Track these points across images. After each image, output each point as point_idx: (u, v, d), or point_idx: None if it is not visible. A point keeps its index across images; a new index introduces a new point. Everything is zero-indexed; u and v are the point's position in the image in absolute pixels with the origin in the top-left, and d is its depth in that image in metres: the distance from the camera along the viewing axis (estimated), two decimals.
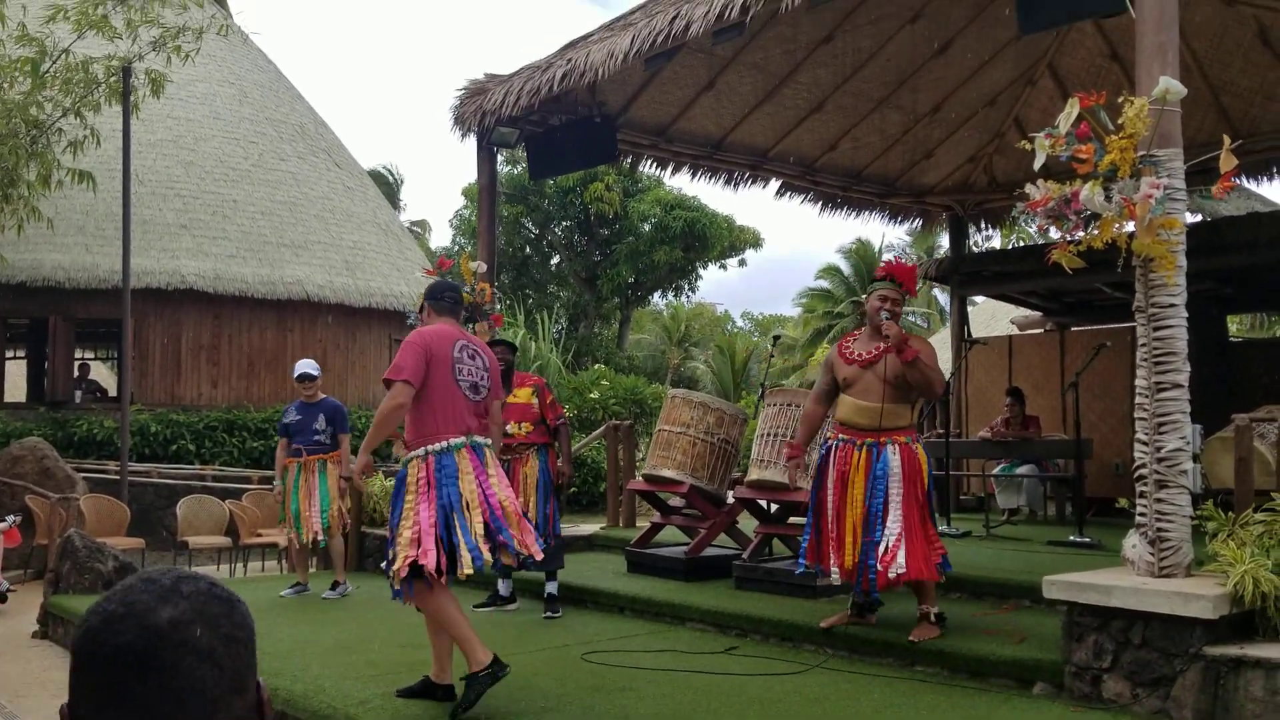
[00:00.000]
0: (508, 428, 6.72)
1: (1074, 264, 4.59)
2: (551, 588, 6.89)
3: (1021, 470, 9.62)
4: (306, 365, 8.23)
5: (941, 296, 29.43)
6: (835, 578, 5.47)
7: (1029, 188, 4.71)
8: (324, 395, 8.28)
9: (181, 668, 1.05)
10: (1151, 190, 4.34)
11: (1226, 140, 4.42)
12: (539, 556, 4.77)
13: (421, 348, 4.66)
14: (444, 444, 4.58)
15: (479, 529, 4.48)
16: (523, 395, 6.92)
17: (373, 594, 7.67)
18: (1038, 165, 4.62)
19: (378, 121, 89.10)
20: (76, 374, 16.26)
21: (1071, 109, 4.53)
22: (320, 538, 7.89)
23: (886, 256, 34.15)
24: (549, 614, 6.78)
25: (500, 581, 7.13)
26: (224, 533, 10.74)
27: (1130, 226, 4.47)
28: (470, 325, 8.44)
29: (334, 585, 7.84)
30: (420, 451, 4.59)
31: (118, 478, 12.02)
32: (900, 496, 5.22)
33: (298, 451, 7.97)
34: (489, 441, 4.78)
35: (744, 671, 5.23)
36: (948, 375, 11.70)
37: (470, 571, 4.44)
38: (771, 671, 5.21)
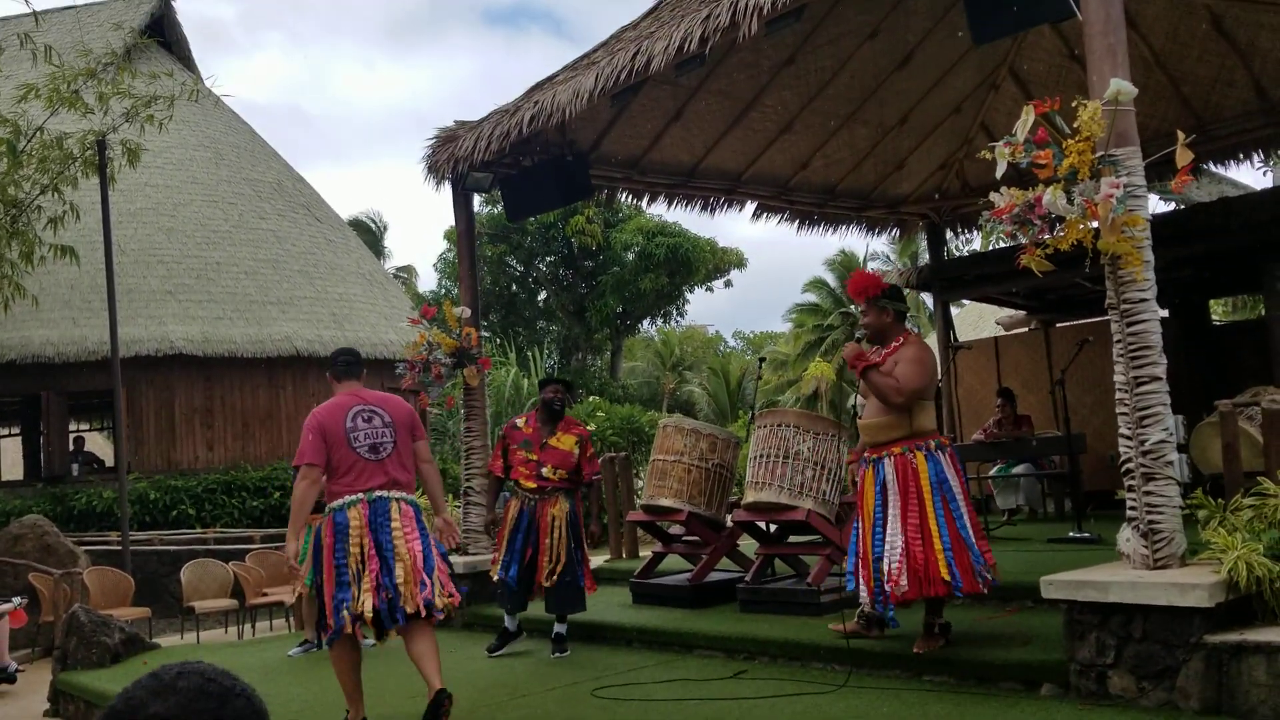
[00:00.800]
0: (543, 470, 6.69)
1: (1043, 267, 4.65)
2: (561, 628, 6.85)
3: (1018, 470, 9.67)
4: None
5: (929, 301, 29.57)
6: (864, 596, 5.31)
7: (994, 195, 4.78)
8: None
9: None
10: (1112, 190, 4.41)
11: (1180, 136, 4.50)
12: (420, 609, 4.95)
13: (315, 428, 5.10)
14: (340, 502, 5.04)
15: (368, 583, 4.90)
16: (566, 442, 6.81)
17: (379, 647, 7.66)
18: (999, 174, 4.70)
19: (357, 170, 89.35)
20: (72, 447, 16.26)
21: (1027, 116, 4.61)
22: None
23: (872, 265, 34.33)
24: (557, 653, 6.75)
25: (506, 618, 7.03)
26: (229, 595, 10.73)
27: (1096, 225, 4.55)
28: (459, 369, 8.49)
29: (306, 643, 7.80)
30: (326, 511, 5.09)
31: (120, 548, 12.01)
32: (898, 510, 5.16)
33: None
34: (400, 495, 5.12)
35: (754, 695, 5.25)
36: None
37: (332, 625, 4.92)
38: (781, 693, 5.23)
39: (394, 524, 5.00)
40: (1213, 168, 10.41)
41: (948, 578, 5.02)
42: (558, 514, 6.68)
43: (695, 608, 7.18)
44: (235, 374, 16.06)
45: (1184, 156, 4.45)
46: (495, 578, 6.75)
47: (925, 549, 5.07)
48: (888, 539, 5.17)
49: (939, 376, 5.64)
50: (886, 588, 5.08)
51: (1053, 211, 4.51)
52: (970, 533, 5.16)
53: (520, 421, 6.99)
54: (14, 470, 17.37)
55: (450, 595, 5.06)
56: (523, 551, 6.63)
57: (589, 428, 18.46)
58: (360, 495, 5.02)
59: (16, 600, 9.66)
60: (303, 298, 17.18)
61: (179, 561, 11.59)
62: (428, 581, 4.97)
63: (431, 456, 5.64)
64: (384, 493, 5.05)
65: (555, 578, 6.59)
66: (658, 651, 6.62)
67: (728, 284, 32.30)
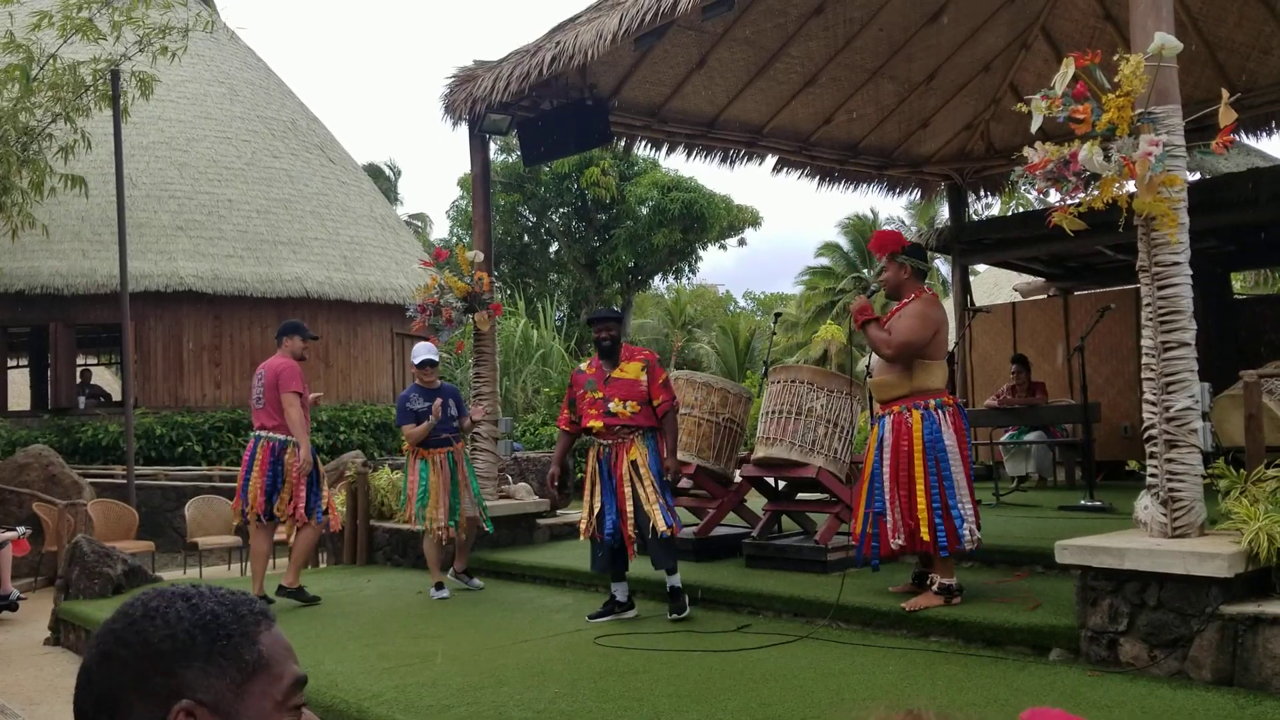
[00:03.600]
0: (610, 405, 6.02)
1: (1075, 226, 4.53)
2: (675, 581, 6.10)
3: (1029, 437, 9.58)
4: (430, 351, 7.62)
5: (944, 266, 29.33)
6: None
7: (1027, 151, 4.65)
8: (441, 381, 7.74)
9: (78, 687, 1.06)
10: (1151, 148, 4.28)
11: (1225, 94, 4.35)
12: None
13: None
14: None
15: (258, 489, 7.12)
16: (631, 370, 6.08)
17: (383, 587, 7.65)
18: (1035, 127, 4.56)
19: (374, 117, 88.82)
20: (79, 380, 16.24)
21: (1067, 69, 4.46)
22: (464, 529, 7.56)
23: (888, 228, 34.04)
24: (674, 615, 6.02)
25: (613, 585, 6.26)
26: (233, 532, 10.72)
27: (1131, 186, 4.42)
28: (469, 314, 8.41)
29: (467, 574, 7.60)
30: None
31: (125, 482, 12.01)
32: (889, 467, 5.29)
33: (446, 441, 7.45)
34: (265, 435, 7.13)
35: (757, 647, 5.20)
36: (952, 345, 11.66)
37: (237, 522, 7.89)
38: (784, 640, 5.18)
39: (256, 457, 7.08)
40: (1243, 138, 10.20)
41: (927, 536, 5.15)
42: (637, 458, 5.96)
43: (700, 560, 7.14)
44: (244, 313, 15.97)
45: (1228, 115, 4.31)
46: (589, 538, 6.11)
47: (911, 507, 5.20)
48: (888, 494, 5.29)
49: (947, 337, 5.60)
50: (892, 542, 5.21)
51: (1088, 168, 4.37)
52: (958, 495, 5.21)
53: (584, 365, 6.37)
54: (20, 401, 17.36)
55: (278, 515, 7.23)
56: (609, 505, 5.95)
57: None
58: (254, 433, 7.20)
59: (20, 529, 9.67)
60: (314, 239, 17.05)
61: (183, 497, 11.60)
62: (268, 501, 7.10)
63: (292, 404, 7.07)
64: (259, 433, 7.16)
65: (650, 532, 5.88)
66: (662, 603, 6.56)
67: (741, 242, 32.06)
